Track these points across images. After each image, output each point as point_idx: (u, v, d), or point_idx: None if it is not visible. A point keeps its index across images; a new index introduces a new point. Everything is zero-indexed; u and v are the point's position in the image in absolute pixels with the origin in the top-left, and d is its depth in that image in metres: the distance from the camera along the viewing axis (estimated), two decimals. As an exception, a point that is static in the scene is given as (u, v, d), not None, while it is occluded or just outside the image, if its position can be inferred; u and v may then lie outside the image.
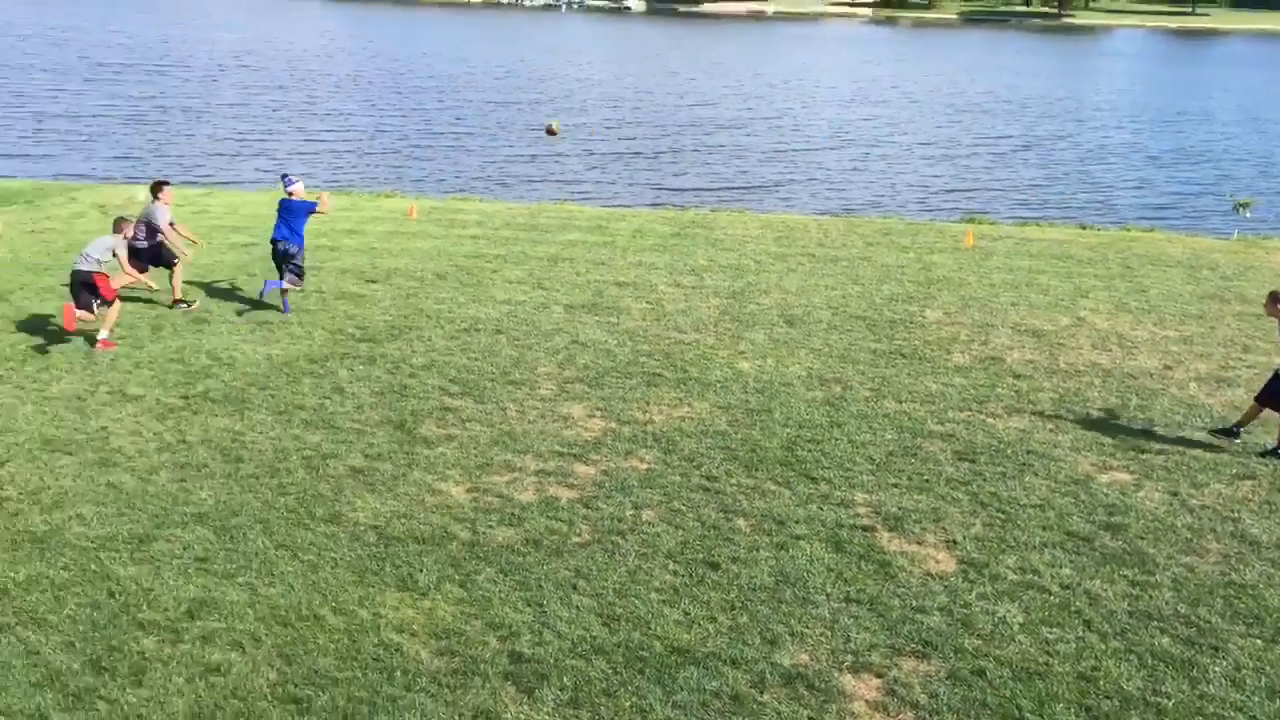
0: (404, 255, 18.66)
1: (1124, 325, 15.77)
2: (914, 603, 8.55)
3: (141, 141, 36.31)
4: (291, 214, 15.21)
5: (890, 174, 35.62)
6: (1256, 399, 11.81)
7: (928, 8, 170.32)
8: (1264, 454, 11.43)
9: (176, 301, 15.26)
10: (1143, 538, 9.66)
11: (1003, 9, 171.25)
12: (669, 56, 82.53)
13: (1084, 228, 23.87)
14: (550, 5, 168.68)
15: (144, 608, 8.16)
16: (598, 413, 12.06)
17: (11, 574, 8.52)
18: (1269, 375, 12.00)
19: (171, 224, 15.18)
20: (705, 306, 16.11)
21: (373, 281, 16.90)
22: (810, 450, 11.23)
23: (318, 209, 15.28)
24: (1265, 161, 40.60)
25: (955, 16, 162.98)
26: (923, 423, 12.05)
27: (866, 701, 7.43)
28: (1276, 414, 11.70)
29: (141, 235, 14.94)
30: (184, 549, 8.98)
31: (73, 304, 13.37)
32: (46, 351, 13.41)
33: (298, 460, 10.63)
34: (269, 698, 7.25)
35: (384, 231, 20.51)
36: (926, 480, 10.65)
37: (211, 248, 18.13)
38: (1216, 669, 7.85)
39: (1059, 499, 10.35)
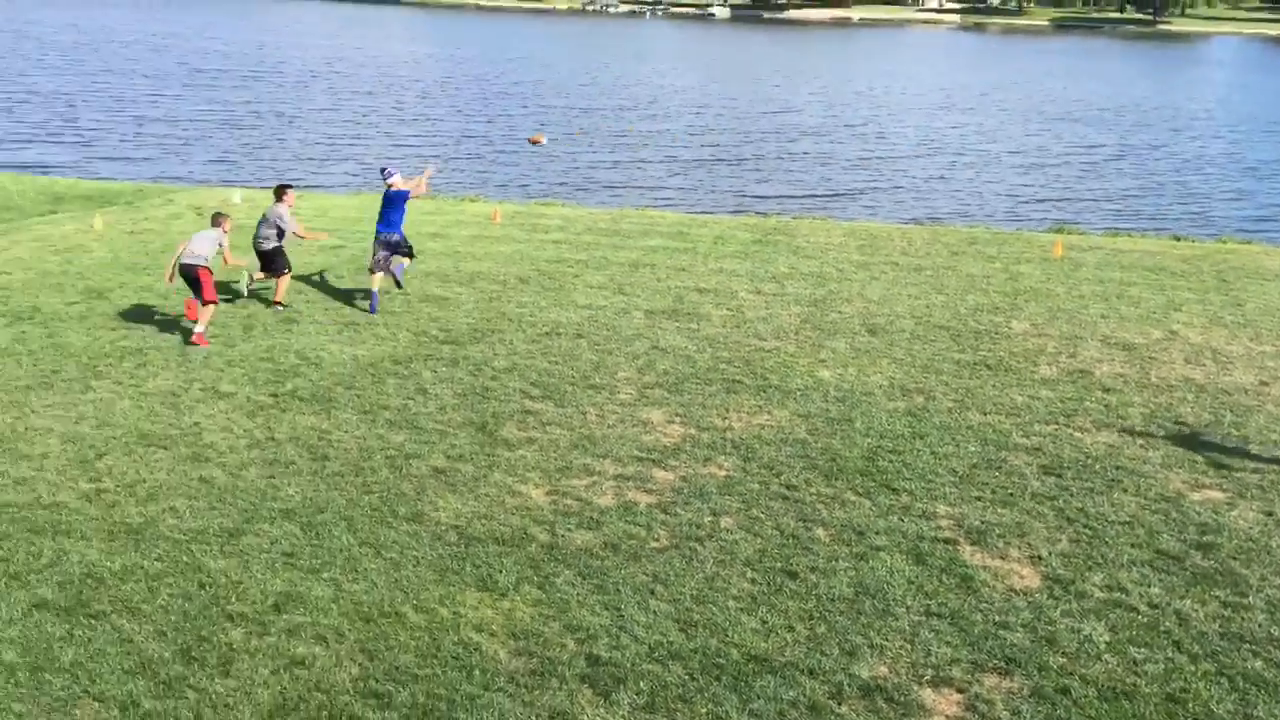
0: (487, 259, 18.88)
1: (1218, 339, 15.35)
2: (997, 618, 8.41)
3: (236, 145, 37.25)
4: (390, 205, 15.74)
5: (977, 182, 35.11)
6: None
7: (1018, 14, 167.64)
8: (1366, 475, 11.04)
9: (276, 303, 15.68)
10: (1235, 558, 9.39)
11: (1095, 15, 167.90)
12: (753, 63, 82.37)
13: (1178, 239, 23.28)
14: (635, 11, 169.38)
15: (233, 600, 8.36)
16: (677, 419, 12.08)
17: (108, 564, 8.79)
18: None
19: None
20: (786, 314, 16.04)
21: (457, 285, 17.13)
22: (891, 461, 11.12)
23: (412, 195, 15.92)
24: (1371, 172, 39.20)
25: (1046, 22, 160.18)
26: (1008, 435, 11.85)
27: (946, 717, 7.33)
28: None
29: (273, 237, 15.54)
30: (272, 544, 9.18)
31: (192, 298, 14.09)
32: (143, 349, 13.82)
33: (381, 459, 10.82)
34: (351, 692, 7.38)
35: (468, 235, 20.78)
36: (1011, 494, 10.48)
37: (301, 249, 18.52)
38: (1313, 696, 7.60)
39: (1149, 516, 10.10)
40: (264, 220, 15.65)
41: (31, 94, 48.12)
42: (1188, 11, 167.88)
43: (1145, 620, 8.44)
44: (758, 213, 26.70)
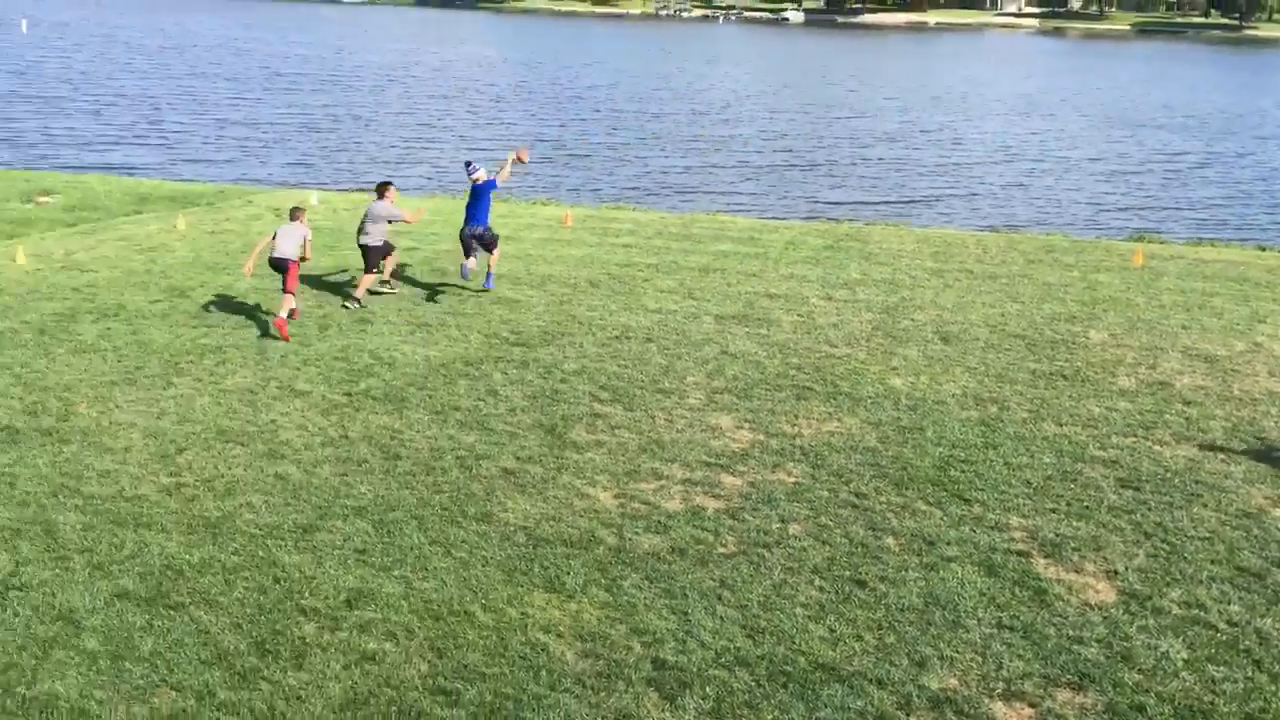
0: (558, 262, 19.00)
1: (1306, 352, 14.93)
2: (1071, 632, 8.26)
3: (313, 148, 37.91)
4: (475, 199, 16.17)
5: (1056, 190, 34.53)
6: None
7: (1099, 18, 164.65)
8: None
9: (354, 299, 15.97)
10: (1322, 578, 9.12)
11: (1179, 20, 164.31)
12: (827, 68, 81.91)
13: (1263, 249, 22.69)
14: (708, 16, 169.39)
15: (306, 595, 8.51)
16: (746, 424, 12.04)
17: (186, 556, 9.00)
18: None
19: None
20: (857, 321, 15.92)
21: (528, 287, 17.26)
22: (963, 471, 10.97)
23: (498, 185, 16.35)
24: None
25: (1128, 27, 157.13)
26: (1084, 447, 11.64)
27: (1017, 731, 7.22)
28: None
29: (379, 233, 16.03)
30: (344, 540, 9.33)
31: (282, 317, 14.53)
32: (223, 347, 14.13)
33: (452, 459, 10.93)
34: (420, 688, 7.47)
35: (539, 239, 20.93)
36: (1087, 507, 10.28)
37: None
38: (1402, 722, 7.36)
39: (1229, 532, 9.86)
40: (368, 217, 16.10)
41: (119, 97, 49.45)
42: (1275, 16, 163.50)
43: (1224, 638, 8.24)
44: (830, 219, 26.52)
